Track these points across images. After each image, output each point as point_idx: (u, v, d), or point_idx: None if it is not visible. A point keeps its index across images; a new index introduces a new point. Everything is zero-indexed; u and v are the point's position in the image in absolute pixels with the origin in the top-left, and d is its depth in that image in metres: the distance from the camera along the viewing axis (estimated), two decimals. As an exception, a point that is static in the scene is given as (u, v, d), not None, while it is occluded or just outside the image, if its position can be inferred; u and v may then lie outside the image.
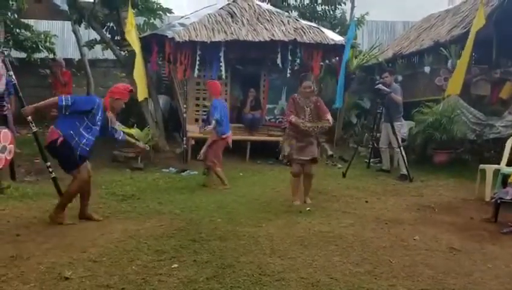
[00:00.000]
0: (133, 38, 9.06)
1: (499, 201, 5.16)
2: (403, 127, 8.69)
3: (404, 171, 7.94)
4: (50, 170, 5.99)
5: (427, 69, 10.65)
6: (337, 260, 3.73)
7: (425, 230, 4.75)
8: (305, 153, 5.76)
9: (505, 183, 5.62)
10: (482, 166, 6.67)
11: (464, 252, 4.10)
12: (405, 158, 7.97)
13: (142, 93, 9.10)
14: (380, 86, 8.24)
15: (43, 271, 3.34)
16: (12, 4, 9.05)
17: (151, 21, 11.25)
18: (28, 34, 11.80)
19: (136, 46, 9.09)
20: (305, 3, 13.65)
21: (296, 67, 9.69)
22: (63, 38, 14.80)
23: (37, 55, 12.19)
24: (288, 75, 9.73)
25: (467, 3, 11.63)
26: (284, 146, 5.88)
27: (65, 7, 8.18)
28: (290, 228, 4.65)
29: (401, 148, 8.04)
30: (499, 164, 6.56)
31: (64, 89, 10.90)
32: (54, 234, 4.30)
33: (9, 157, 5.81)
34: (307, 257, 3.77)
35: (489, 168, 6.43)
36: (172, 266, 3.48)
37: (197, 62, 9.33)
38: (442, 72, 10.11)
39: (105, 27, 10.93)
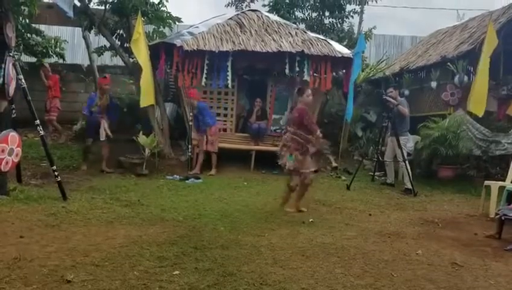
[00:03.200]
0: (138, 47, 9.08)
1: (503, 218, 5.13)
2: (409, 141, 8.68)
3: (408, 185, 7.93)
4: (56, 173, 6.07)
5: (433, 84, 10.66)
6: (339, 272, 3.72)
7: (428, 245, 4.73)
8: (309, 165, 5.85)
9: (509, 200, 5.61)
10: (487, 182, 6.67)
11: (467, 268, 4.07)
12: (410, 172, 7.96)
13: (145, 100, 9.15)
14: (388, 97, 8.26)
15: (46, 274, 3.36)
16: (24, 9, 9.17)
17: (160, 29, 11.34)
18: (39, 39, 11.96)
19: (140, 55, 9.11)
20: (313, 16, 13.71)
21: (303, 79, 9.71)
22: (73, 44, 14.95)
23: (47, 60, 12.33)
24: (294, 86, 9.74)
25: (475, 19, 11.66)
26: (285, 158, 5.90)
27: (71, 14, 8.25)
28: (292, 238, 4.65)
29: (406, 162, 8.03)
30: (504, 180, 6.54)
31: (51, 92, 10.85)
32: (58, 237, 4.33)
33: (16, 160, 5.86)
34: (309, 268, 3.77)
35: (495, 184, 6.42)
36: (174, 273, 3.49)
37: (205, 71, 9.40)
38: (449, 87, 10.14)
39: (115, 34, 11.03)
